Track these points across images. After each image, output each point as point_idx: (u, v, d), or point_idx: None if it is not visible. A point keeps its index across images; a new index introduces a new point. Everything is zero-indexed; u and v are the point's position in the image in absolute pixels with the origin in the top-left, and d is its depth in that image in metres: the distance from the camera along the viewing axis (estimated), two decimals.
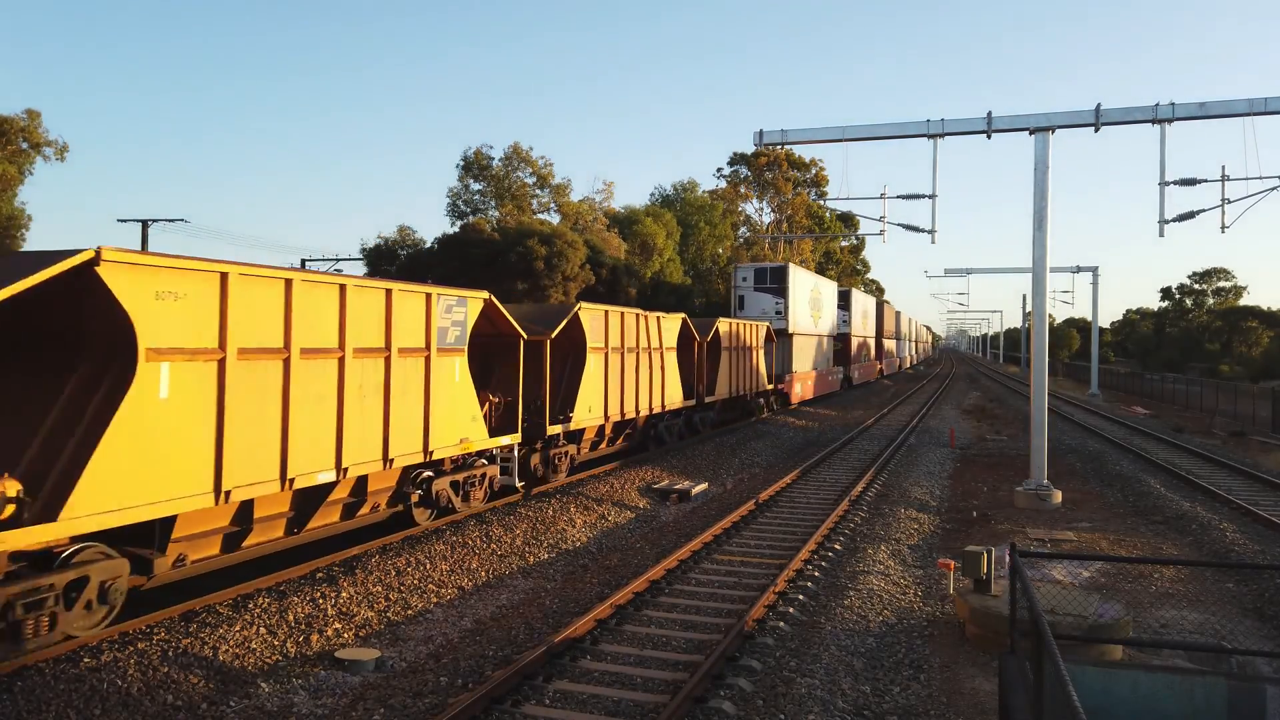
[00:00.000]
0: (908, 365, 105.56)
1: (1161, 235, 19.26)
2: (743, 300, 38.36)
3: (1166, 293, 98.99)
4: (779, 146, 27.52)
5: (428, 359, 13.54)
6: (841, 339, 53.24)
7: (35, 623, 8.32)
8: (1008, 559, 7.38)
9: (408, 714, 8.13)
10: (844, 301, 54.31)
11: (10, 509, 7.69)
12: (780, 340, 37.41)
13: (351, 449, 11.98)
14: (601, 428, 20.69)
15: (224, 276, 9.88)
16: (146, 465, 8.83)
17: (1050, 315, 45.46)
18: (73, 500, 8.11)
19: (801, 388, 39.66)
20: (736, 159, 69.68)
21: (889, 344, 76.73)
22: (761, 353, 32.04)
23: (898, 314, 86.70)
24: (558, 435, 18.45)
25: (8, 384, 9.02)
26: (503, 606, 11.47)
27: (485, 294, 15.07)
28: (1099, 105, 18.01)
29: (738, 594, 11.76)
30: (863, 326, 59.48)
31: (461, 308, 14.47)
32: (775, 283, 38.23)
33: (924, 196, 20.13)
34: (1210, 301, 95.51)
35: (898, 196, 20.94)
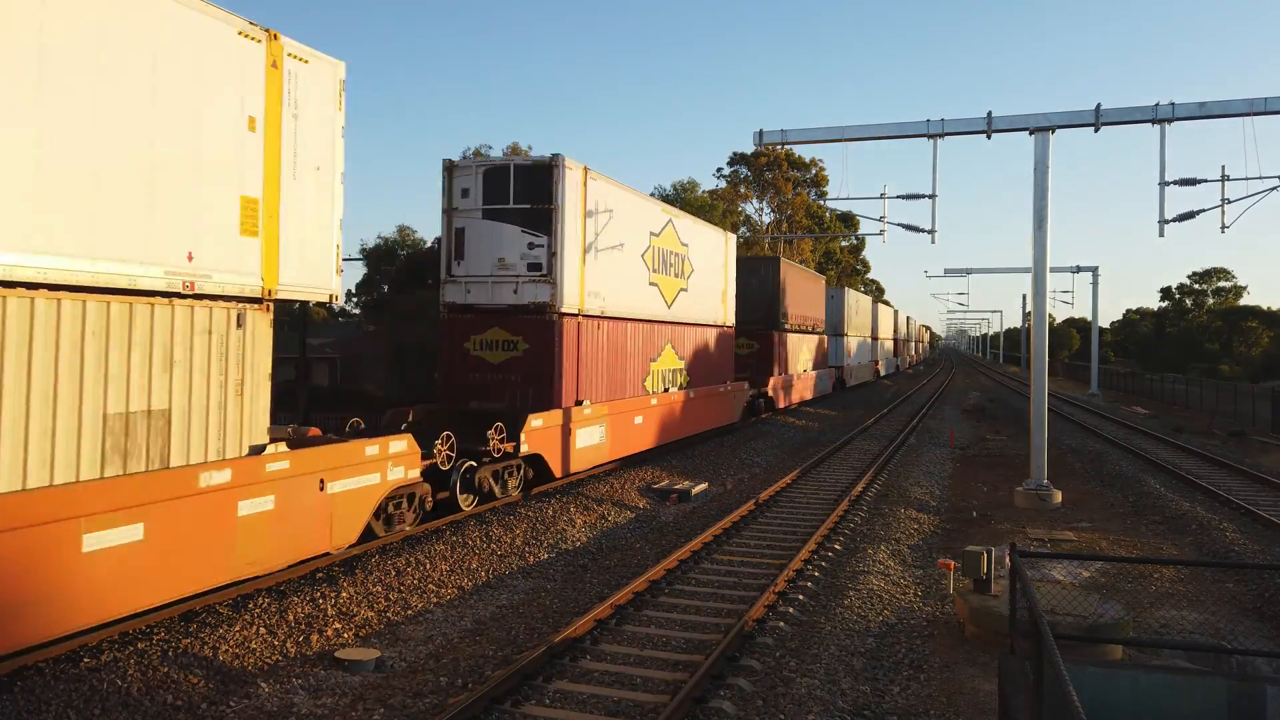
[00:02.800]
0: (907, 365, 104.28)
1: (1161, 235, 19.29)
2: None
3: (1166, 293, 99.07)
4: (779, 146, 27.51)
5: None
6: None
7: None
8: (1008, 559, 7.38)
9: (408, 714, 8.13)
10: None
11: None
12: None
13: None
14: None
15: None
16: None
17: (1050, 315, 39.77)
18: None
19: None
20: (736, 159, 69.77)
21: (821, 342, 45.21)
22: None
23: (835, 291, 51.50)
24: None
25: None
26: (503, 606, 11.47)
27: None
28: (1099, 105, 18.02)
29: (737, 594, 11.76)
30: (660, 293, 24.15)
31: None
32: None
33: (924, 196, 20.14)
34: (1210, 301, 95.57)
35: (898, 196, 20.94)
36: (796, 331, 38.23)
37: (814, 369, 42.55)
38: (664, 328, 22.99)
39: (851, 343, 55.22)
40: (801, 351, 39.45)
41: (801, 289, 39.31)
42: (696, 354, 25.32)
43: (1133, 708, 6.05)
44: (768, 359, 34.01)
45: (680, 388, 23.93)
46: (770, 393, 33.31)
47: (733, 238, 29.51)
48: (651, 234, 22.24)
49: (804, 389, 39.92)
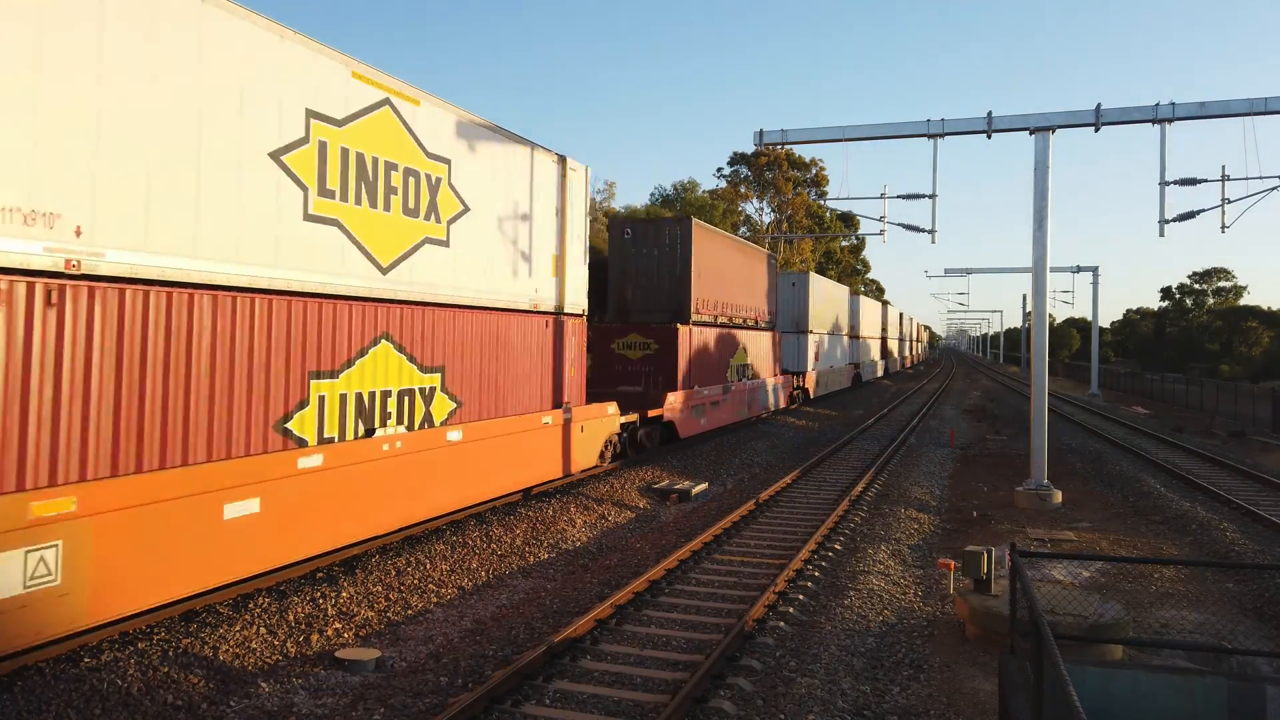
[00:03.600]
0: (905, 366, 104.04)
1: (1161, 235, 19.29)
2: None
3: (1166, 293, 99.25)
4: (779, 146, 27.51)
5: None
6: None
7: None
8: (1008, 559, 7.38)
9: (408, 714, 8.14)
10: None
11: None
12: None
13: None
14: None
15: None
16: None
17: (1050, 315, 40.27)
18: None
19: None
20: (737, 159, 69.86)
21: (771, 341, 33.79)
22: None
23: (797, 278, 40.50)
24: None
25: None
26: (503, 606, 11.47)
27: None
28: (1099, 105, 18.01)
29: (738, 594, 11.76)
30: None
31: None
32: None
33: (924, 196, 20.15)
34: (1210, 301, 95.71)
35: (898, 196, 20.96)
36: (724, 326, 27.61)
37: (754, 377, 31.41)
38: (371, 310, 12.27)
39: (819, 342, 42.68)
40: (735, 353, 28.76)
41: (734, 268, 28.55)
42: (480, 362, 14.88)
43: (1133, 708, 6.05)
44: (670, 366, 23.44)
45: (425, 424, 13.45)
46: (668, 415, 22.63)
47: (580, 170, 18.33)
48: (323, 118, 11.28)
49: (736, 405, 28.67)
